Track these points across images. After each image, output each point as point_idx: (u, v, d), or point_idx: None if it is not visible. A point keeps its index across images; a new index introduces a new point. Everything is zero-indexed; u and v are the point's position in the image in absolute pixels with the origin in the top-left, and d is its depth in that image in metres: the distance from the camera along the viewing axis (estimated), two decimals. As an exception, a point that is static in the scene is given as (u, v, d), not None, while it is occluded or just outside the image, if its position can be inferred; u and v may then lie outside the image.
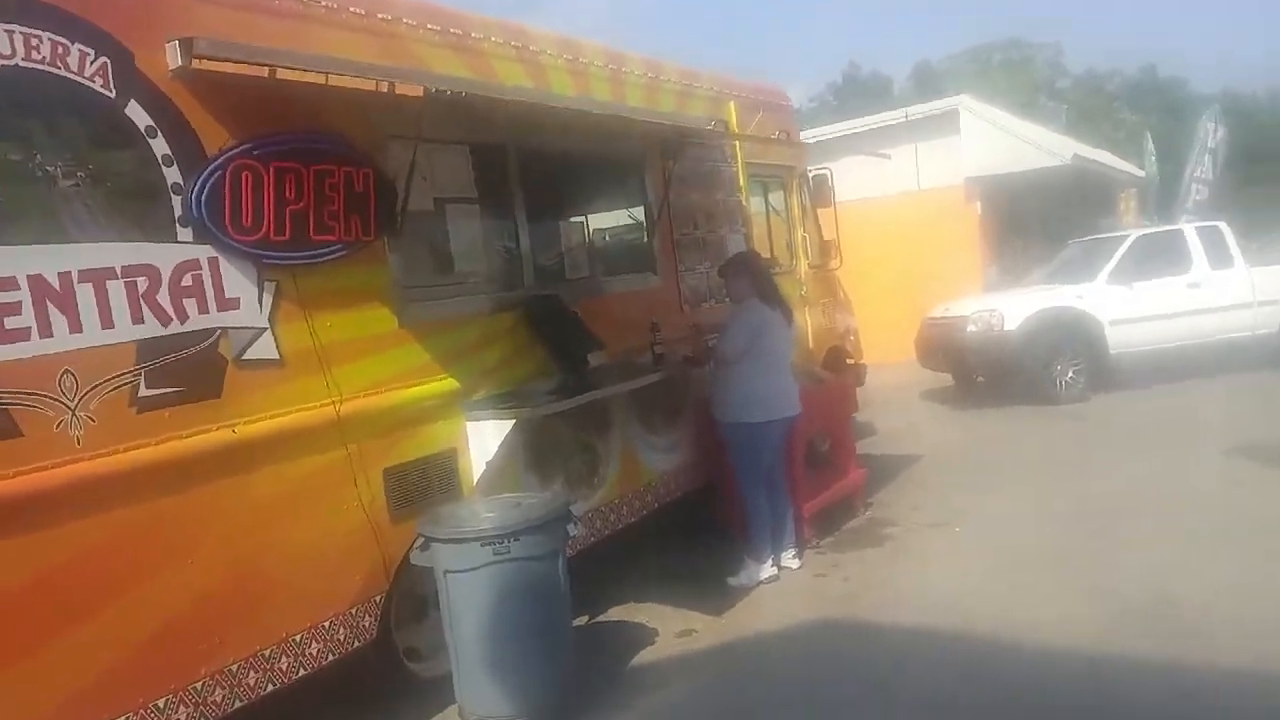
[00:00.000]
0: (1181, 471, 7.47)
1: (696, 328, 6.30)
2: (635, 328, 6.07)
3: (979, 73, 46.58)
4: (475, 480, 4.77)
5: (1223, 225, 11.48)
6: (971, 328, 11.06)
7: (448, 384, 4.69)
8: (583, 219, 5.97)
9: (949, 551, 6.25)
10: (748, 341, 5.78)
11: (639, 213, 6.47)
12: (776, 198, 8.43)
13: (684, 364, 6.16)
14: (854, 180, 12.19)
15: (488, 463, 4.76)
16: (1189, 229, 11.41)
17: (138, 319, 3.49)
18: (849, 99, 43.13)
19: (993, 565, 5.81)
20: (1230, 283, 11.00)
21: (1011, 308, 10.93)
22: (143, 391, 3.49)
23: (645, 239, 6.45)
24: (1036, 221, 18.86)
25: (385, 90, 3.74)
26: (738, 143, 7.46)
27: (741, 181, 7.55)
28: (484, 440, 4.76)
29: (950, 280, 14.04)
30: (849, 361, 9.37)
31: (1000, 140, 15.14)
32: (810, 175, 8.79)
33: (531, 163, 5.49)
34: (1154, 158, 21.47)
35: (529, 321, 5.20)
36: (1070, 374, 10.85)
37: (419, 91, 3.72)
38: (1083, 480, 7.52)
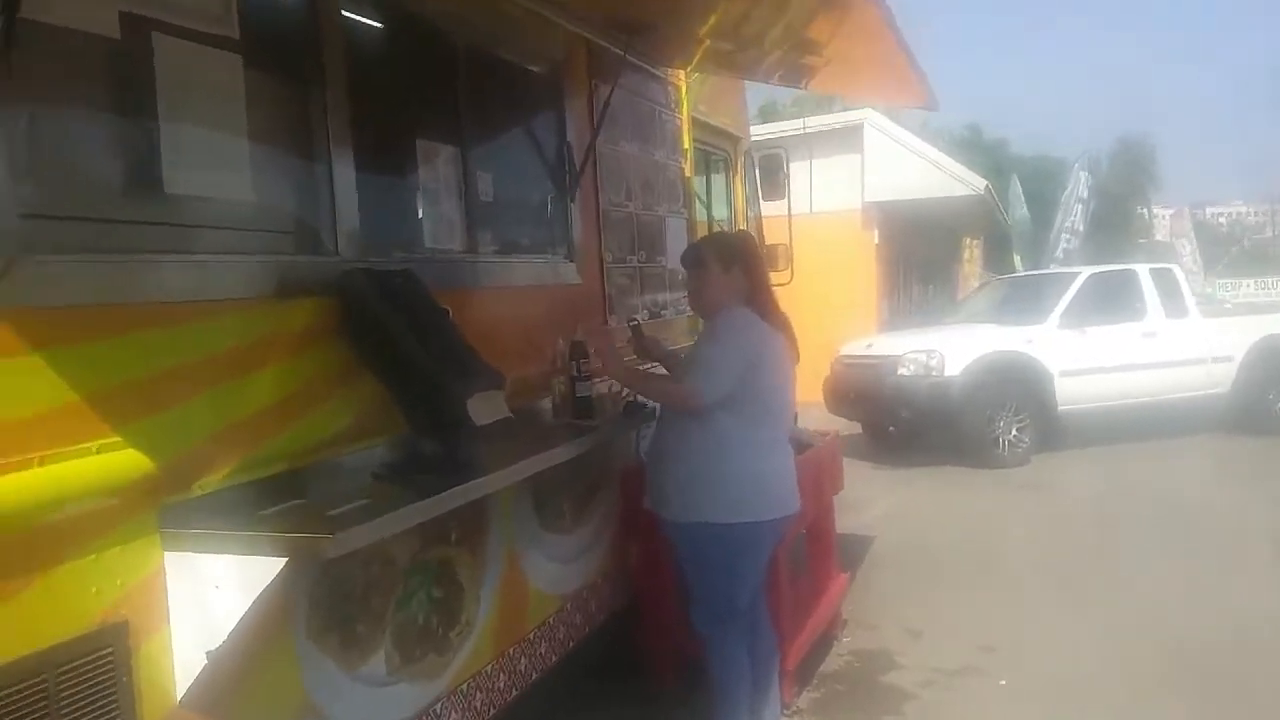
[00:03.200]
0: (1250, 583, 5.34)
1: (641, 346, 3.60)
2: (538, 347, 3.35)
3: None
4: (179, 698, 1.93)
5: (1176, 269, 9.82)
6: (904, 370, 8.85)
7: (121, 461, 1.84)
8: (458, 149, 3.18)
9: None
10: (739, 378, 3.16)
11: (551, 159, 3.74)
12: (718, 179, 5.89)
13: (628, 417, 3.45)
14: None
15: (212, 654, 1.93)
16: (1142, 270, 9.64)
17: None
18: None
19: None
20: (1185, 335, 9.28)
21: (953, 349, 8.80)
22: None
23: (559, 204, 3.73)
24: (919, 255, 17.30)
25: None
26: (684, 83, 4.88)
27: (686, 141, 4.96)
28: (212, 598, 1.93)
29: (844, 314, 11.98)
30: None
31: (907, 163, 13.21)
32: (758, 156, 6.29)
33: (369, 17, 2.70)
34: (1024, 203, 20.50)
35: (348, 322, 2.40)
36: (1014, 432, 8.81)
37: None
38: (1116, 588, 5.29)
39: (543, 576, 3.38)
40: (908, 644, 4.65)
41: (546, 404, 3.35)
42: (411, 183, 2.95)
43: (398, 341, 2.29)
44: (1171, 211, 39.51)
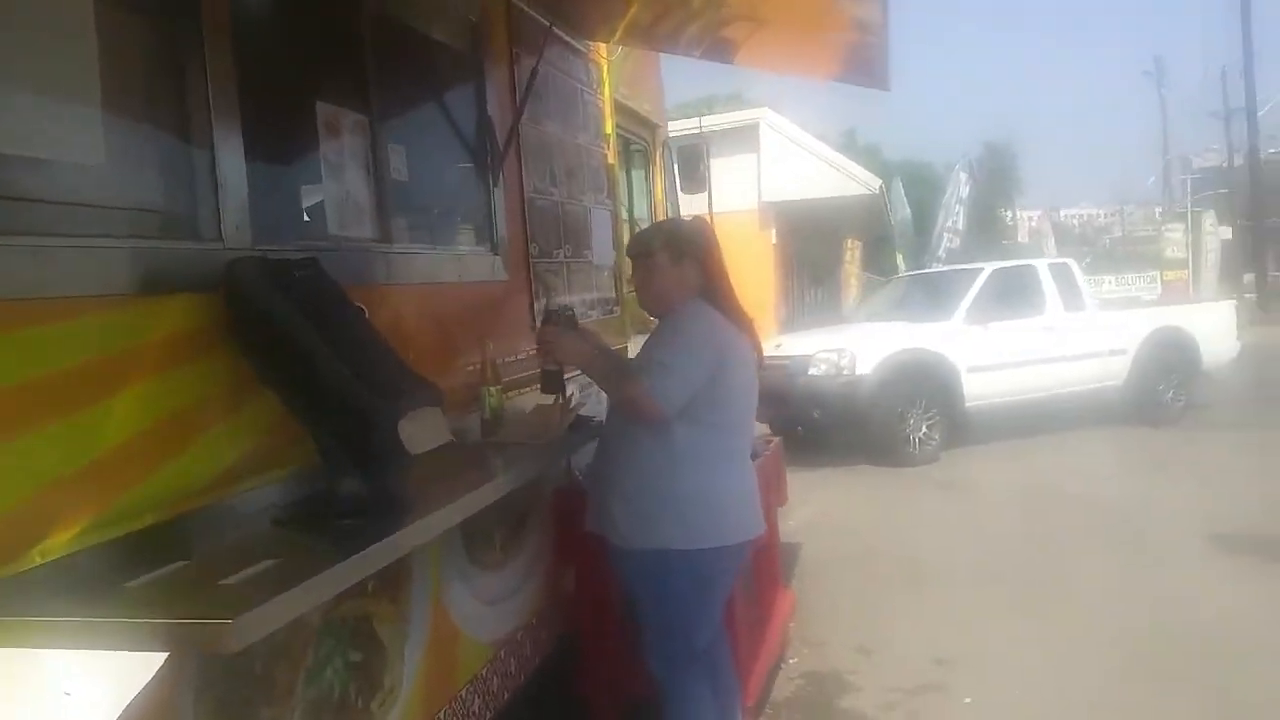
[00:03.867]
0: (1180, 571, 5.24)
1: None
2: (462, 354, 2.87)
3: (705, 123, 45.60)
4: None
5: (1071, 263, 9.95)
6: (814, 370, 8.63)
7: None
8: (365, 118, 2.64)
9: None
10: (699, 381, 2.75)
11: (470, 136, 3.24)
12: (637, 171, 5.47)
13: (575, 433, 2.97)
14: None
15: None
16: (1042, 265, 9.72)
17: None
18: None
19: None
20: (1083, 328, 9.37)
21: (863, 348, 8.63)
22: None
23: (481, 188, 3.23)
24: (810, 256, 17.33)
25: None
26: (605, 61, 4.45)
27: (608, 125, 4.52)
28: (61, 710, 1.39)
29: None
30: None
31: (802, 162, 13.10)
32: (676, 147, 5.90)
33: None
34: (906, 204, 20.86)
35: (238, 324, 1.88)
36: (924, 429, 8.70)
37: None
38: (1053, 587, 5.11)
39: (474, 621, 2.88)
40: (860, 662, 4.33)
41: (473, 421, 2.86)
42: (312, 157, 2.41)
43: (306, 349, 1.77)
44: (1037, 213, 41.22)
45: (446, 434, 1.90)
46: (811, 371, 8.63)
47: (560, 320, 2.79)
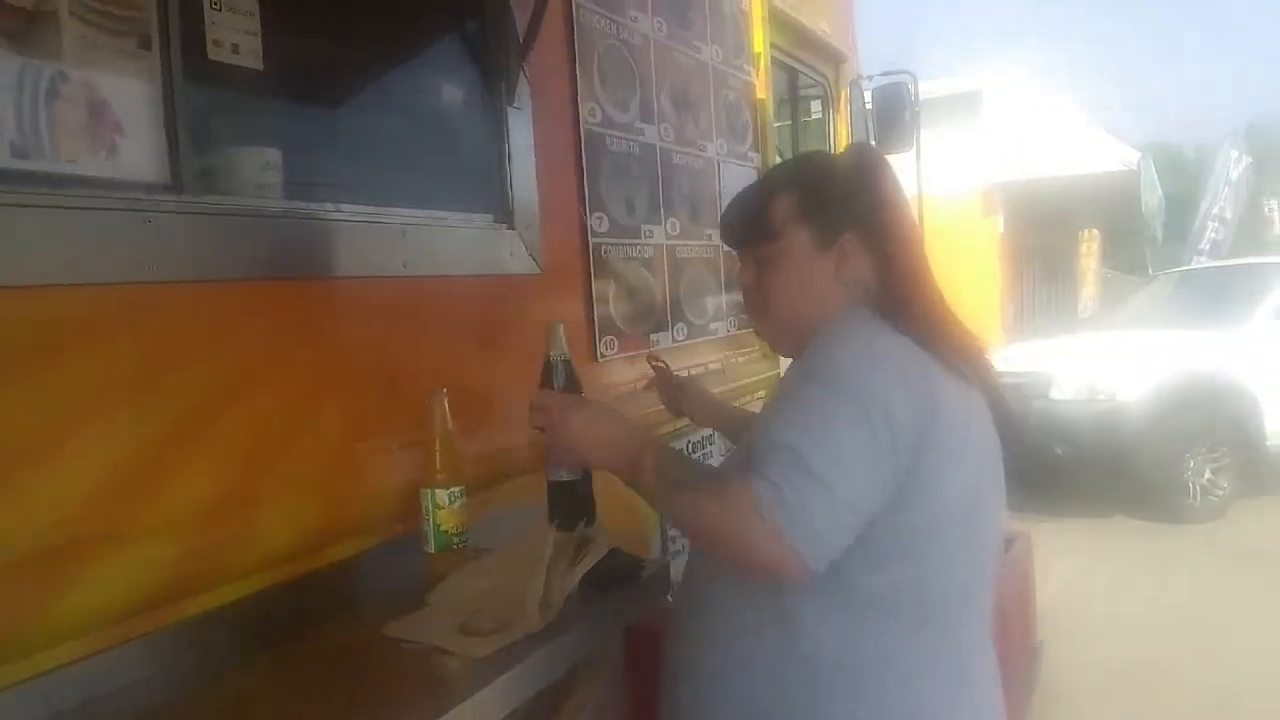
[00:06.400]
0: None
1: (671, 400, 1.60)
2: (402, 414, 1.42)
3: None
4: None
5: None
6: (1058, 393, 6.60)
7: None
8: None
9: None
10: (878, 492, 1.16)
11: (448, 6, 1.80)
12: (810, 119, 3.85)
13: (611, 587, 1.45)
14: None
15: None
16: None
17: None
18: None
19: None
20: None
21: (1127, 366, 6.51)
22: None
23: (482, 112, 1.79)
24: (1040, 248, 14.79)
25: None
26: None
27: (758, 42, 2.94)
28: None
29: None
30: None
31: (1039, 134, 10.81)
32: (868, 88, 4.19)
33: None
34: (1158, 187, 17.66)
35: None
36: (1208, 474, 6.48)
37: None
38: None
39: None
40: None
41: (407, 557, 1.40)
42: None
43: None
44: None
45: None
46: (1054, 395, 6.59)
47: (563, 375, 1.32)
